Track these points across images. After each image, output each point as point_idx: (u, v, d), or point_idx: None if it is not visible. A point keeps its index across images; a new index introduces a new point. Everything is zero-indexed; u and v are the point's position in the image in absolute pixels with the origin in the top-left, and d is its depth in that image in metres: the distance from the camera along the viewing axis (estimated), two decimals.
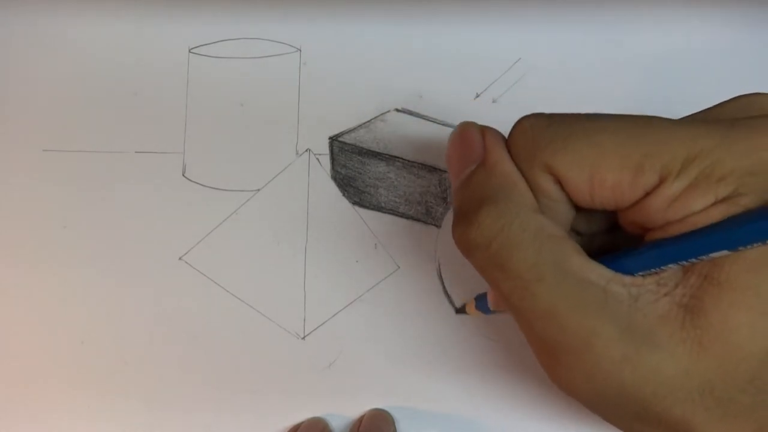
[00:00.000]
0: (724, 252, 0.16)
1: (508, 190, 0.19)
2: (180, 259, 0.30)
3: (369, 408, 0.29)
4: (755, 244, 0.16)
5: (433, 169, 0.30)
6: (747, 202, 0.16)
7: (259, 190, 0.31)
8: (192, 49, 0.31)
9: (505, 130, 0.21)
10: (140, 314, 0.30)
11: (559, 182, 0.19)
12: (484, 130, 0.21)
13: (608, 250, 0.19)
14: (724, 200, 0.16)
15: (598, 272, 0.18)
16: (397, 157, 0.30)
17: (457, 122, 0.31)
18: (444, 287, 0.30)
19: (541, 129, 0.19)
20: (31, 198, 0.31)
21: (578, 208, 0.20)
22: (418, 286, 0.30)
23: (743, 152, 0.16)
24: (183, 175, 0.31)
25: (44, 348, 0.30)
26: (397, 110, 0.31)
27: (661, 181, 0.17)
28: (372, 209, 0.30)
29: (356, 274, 0.30)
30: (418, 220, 0.30)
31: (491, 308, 0.24)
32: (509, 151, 0.20)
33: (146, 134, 0.31)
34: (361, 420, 0.28)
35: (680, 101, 0.30)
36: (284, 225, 0.30)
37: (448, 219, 0.30)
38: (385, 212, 0.30)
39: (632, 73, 0.30)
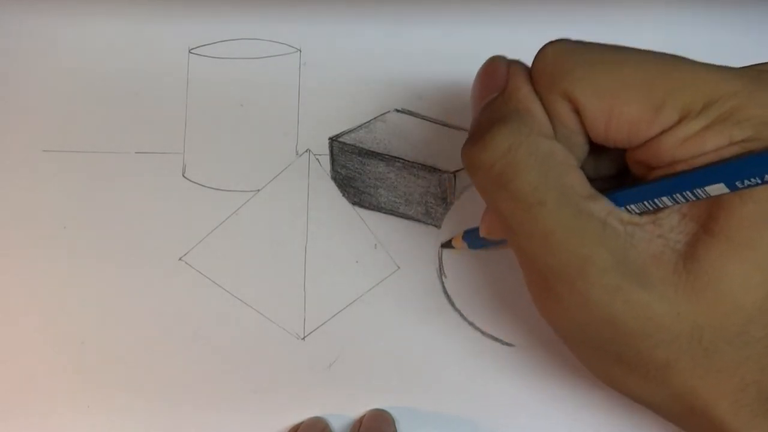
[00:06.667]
0: (721, 187, 0.16)
1: (523, 114, 0.19)
2: (180, 259, 0.30)
3: (369, 408, 0.29)
4: (753, 181, 0.16)
5: (433, 169, 0.30)
6: (760, 147, 0.16)
7: (259, 190, 0.31)
8: (192, 49, 0.31)
9: None
10: (140, 314, 0.30)
11: (577, 112, 0.18)
12: (510, 62, 0.20)
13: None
14: (737, 143, 0.16)
15: (600, 204, 0.18)
16: (397, 158, 0.30)
17: (457, 122, 0.31)
18: (444, 287, 0.30)
19: (564, 55, 0.18)
20: (31, 198, 0.31)
21: (590, 148, 0.19)
22: (418, 286, 0.30)
23: (765, 101, 0.16)
24: (183, 175, 0.31)
25: (44, 348, 0.30)
26: (397, 110, 0.31)
27: (680, 120, 0.17)
28: (372, 209, 0.30)
29: (356, 274, 0.30)
30: (418, 220, 0.30)
31: (482, 234, 0.23)
32: (532, 78, 0.19)
33: (146, 134, 0.31)
34: (361, 420, 0.28)
35: None
36: (284, 225, 0.30)
37: (448, 219, 0.30)
38: (385, 212, 0.30)
39: None
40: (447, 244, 0.29)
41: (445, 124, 0.31)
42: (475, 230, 0.25)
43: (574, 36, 0.31)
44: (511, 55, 0.31)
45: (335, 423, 0.29)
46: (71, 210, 0.31)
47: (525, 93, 0.19)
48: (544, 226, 0.18)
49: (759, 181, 0.16)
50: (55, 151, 0.31)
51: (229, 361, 0.30)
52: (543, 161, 0.18)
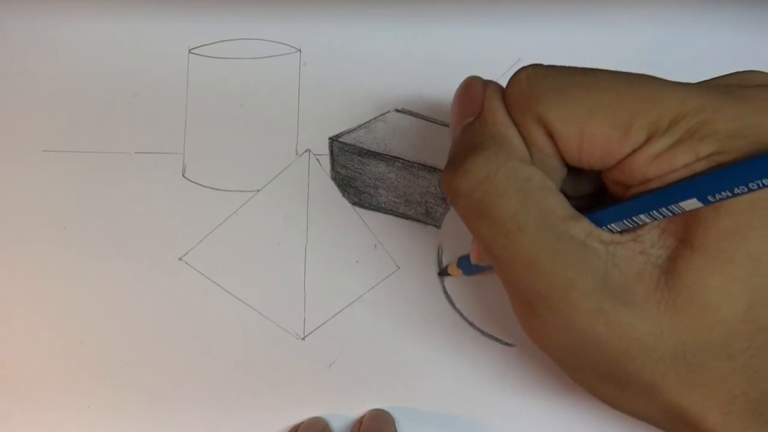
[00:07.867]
0: (694, 201, 0.16)
1: (499, 140, 0.19)
2: (180, 259, 0.30)
3: (369, 408, 0.29)
4: (724, 194, 0.16)
5: (433, 169, 0.30)
6: (726, 160, 0.16)
7: (259, 190, 0.31)
8: (192, 49, 0.31)
9: None
10: (140, 314, 0.30)
11: (551, 136, 0.18)
12: (486, 83, 0.20)
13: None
14: (705, 158, 0.16)
15: (579, 225, 0.18)
16: (397, 158, 0.30)
17: None
18: (444, 287, 0.30)
19: (537, 80, 0.19)
20: (31, 198, 0.31)
21: (568, 168, 0.20)
22: (418, 286, 0.30)
23: (730, 115, 0.16)
24: (183, 175, 0.31)
25: (44, 348, 0.30)
26: (397, 110, 0.31)
27: (648, 139, 0.17)
28: (372, 209, 0.30)
29: (356, 274, 0.30)
30: (418, 220, 0.30)
31: (473, 261, 0.24)
32: (506, 103, 0.19)
33: (146, 134, 0.31)
34: (361, 420, 0.28)
35: None
36: (284, 225, 0.30)
37: (448, 219, 0.30)
38: (385, 212, 0.30)
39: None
40: (443, 272, 0.29)
41: (445, 124, 0.31)
42: (468, 257, 0.25)
43: (573, 37, 0.31)
44: (512, 55, 0.31)
45: (335, 423, 0.29)
46: (71, 210, 0.31)
47: (500, 118, 0.19)
48: (526, 251, 0.18)
49: (729, 194, 0.16)
50: (55, 151, 0.31)
51: (229, 361, 0.30)
52: (521, 187, 0.18)
